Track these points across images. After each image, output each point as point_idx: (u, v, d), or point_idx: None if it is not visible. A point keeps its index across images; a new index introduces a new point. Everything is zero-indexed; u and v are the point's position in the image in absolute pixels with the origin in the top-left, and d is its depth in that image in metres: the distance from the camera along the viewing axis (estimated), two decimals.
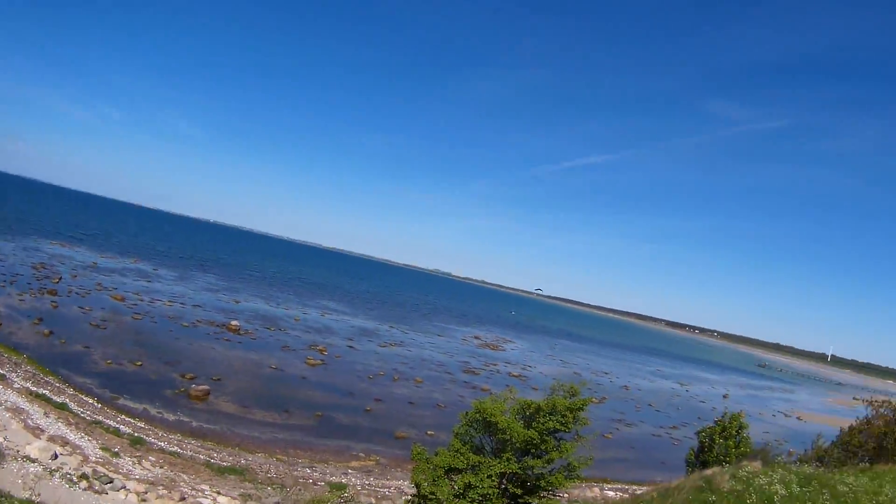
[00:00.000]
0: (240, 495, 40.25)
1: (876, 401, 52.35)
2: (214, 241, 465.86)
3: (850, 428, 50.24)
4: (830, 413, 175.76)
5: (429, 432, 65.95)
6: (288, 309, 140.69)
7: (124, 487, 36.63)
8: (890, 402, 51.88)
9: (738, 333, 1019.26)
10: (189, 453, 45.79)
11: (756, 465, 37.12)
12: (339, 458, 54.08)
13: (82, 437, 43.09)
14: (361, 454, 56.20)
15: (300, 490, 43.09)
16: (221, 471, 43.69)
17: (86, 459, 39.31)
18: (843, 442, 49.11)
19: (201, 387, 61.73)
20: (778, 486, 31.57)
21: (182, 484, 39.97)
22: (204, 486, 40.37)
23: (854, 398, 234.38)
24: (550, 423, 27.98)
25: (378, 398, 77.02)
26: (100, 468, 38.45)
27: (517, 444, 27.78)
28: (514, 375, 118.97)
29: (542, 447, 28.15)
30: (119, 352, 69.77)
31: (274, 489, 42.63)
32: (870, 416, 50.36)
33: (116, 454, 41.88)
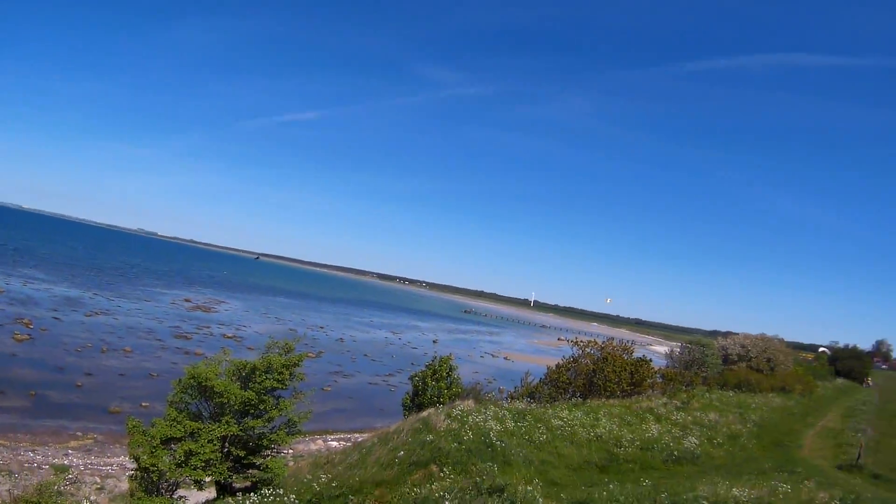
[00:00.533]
0: None
1: (582, 341, 56.84)
2: None
3: (558, 366, 54.38)
4: (537, 353, 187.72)
5: (143, 404, 64.39)
6: None
7: None
8: (596, 342, 56.53)
9: (444, 283, 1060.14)
10: None
11: (469, 403, 39.51)
12: (57, 438, 52.09)
13: None
14: (79, 433, 54.44)
15: (27, 475, 41.26)
16: None
17: None
18: (551, 379, 53.04)
19: None
20: (493, 423, 33.86)
21: None
22: None
23: (559, 339, 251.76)
24: (267, 381, 28.30)
25: (88, 372, 74.21)
26: None
27: (235, 407, 27.87)
28: (228, 337, 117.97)
29: (261, 407, 28.45)
30: None
31: (2, 476, 40.73)
32: (577, 355, 54.54)
33: None
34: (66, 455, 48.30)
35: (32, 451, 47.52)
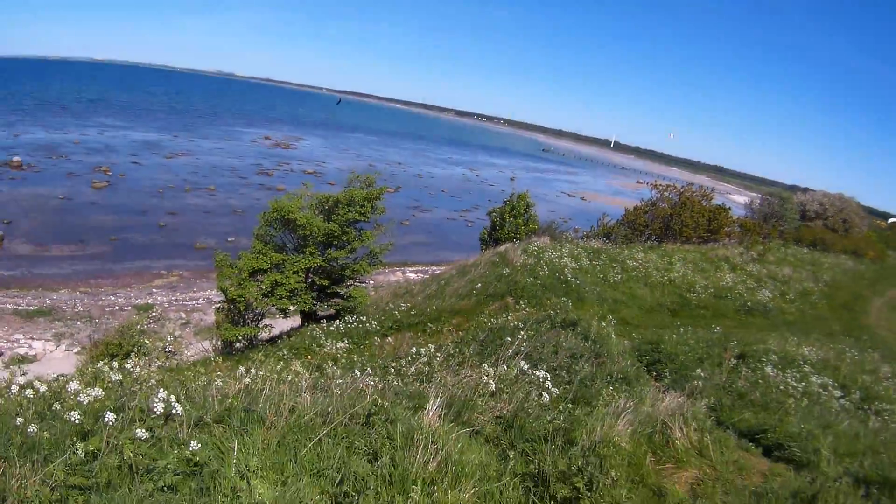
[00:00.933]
0: (53, 336, 39.77)
1: (661, 184, 55.95)
2: None
3: (636, 208, 53.76)
4: (615, 194, 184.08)
5: (229, 239, 65.92)
6: (67, 133, 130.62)
7: None
8: (675, 186, 55.60)
9: (522, 120, 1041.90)
10: None
11: (545, 240, 39.64)
12: (141, 279, 53.82)
13: None
14: (163, 271, 56.11)
15: (108, 319, 42.80)
16: (30, 315, 42.77)
17: None
18: (628, 220, 52.58)
19: None
20: (567, 260, 33.90)
21: None
22: (18, 336, 39.54)
23: (638, 181, 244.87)
24: (349, 214, 28.88)
25: (172, 212, 75.86)
26: None
27: (318, 238, 28.61)
28: (308, 172, 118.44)
29: (344, 238, 29.17)
30: None
31: (84, 323, 42.18)
32: (655, 199, 53.78)
33: None
34: (150, 294, 49.89)
35: (114, 294, 49.22)
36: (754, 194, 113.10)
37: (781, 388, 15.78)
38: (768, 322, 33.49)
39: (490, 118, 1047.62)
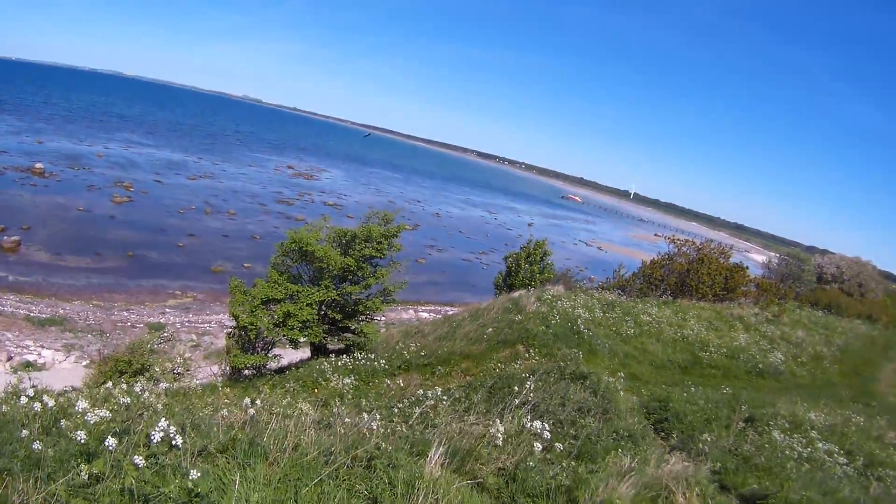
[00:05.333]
0: (63, 346, 39.93)
1: (679, 239, 55.90)
2: (9, 78, 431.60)
3: (653, 261, 53.60)
4: (632, 246, 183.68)
5: (245, 265, 66.32)
6: (91, 145, 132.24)
7: None
8: (693, 242, 55.51)
9: (543, 166, 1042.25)
10: (9, 309, 44.60)
11: (559, 288, 39.54)
12: (155, 298, 53.96)
13: None
14: (178, 291, 56.25)
15: (120, 334, 42.91)
16: (42, 323, 43.00)
17: None
18: (644, 273, 52.41)
19: (12, 238, 58.80)
20: (581, 311, 33.84)
21: (7, 342, 39.28)
22: (28, 342, 39.76)
23: (656, 234, 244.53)
24: (366, 249, 28.80)
25: (191, 233, 76.23)
26: None
27: (334, 272, 28.55)
28: (329, 204, 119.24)
29: (359, 273, 29.12)
30: None
31: (94, 336, 42.34)
32: (672, 253, 53.69)
33: None
34: (163, 313, 50.05)
35: (127, 310, 49.39)
36: (772, 254, 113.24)
37: (787, 452, 15.81)
38: (779, 385, 33.25)
39: (511, 161, 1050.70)
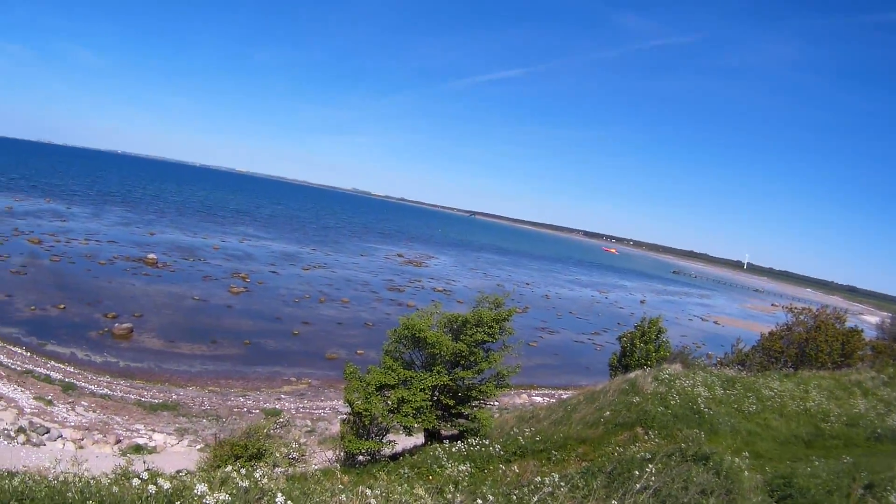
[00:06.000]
0: (175, 430, 40.55)
1: (796, 307, 54.22)
2: (123, 172, 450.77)
3: (771, 333, 51.96)
4: (749, 318, 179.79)
5: (358, 351, 66.82)
6: (206, 238, 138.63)
7: (61, 436, 36.65)
8: (810, 310, 53.80)
9: (651, 241, 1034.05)
10: (119, 394, 45.78)
11: (676, 367, 38.56)
12: (270, 384, 54.50)
13: (15, 389, 42.78)
14: (293, 378, 56.75)
15: (235, 419, 43.41)
16: (154, 408, 43.88)
17: (21, 412, 39.14)
18: (763, 347, 50.84)
19: (124, 325, 61.13)
20: (701, 389, 32.90)
21: (116, 426, 40.15)
22: (138, 426, 40.55)
23: (773, 304, 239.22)
24: (478, 334, 28.39)
25: (305, 321, 77.37)
26: (35, 419, 38.30)
27: (447, 357, 28.31)
28: (438, 290, 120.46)
29: (472, 358, 28.63)
30: (41, 297, 68.18)
31: (209, 421, 42.90)
32: (790, 323, 52.10)
33: (50, 402, 41.76)
34: (279, 399, 50.55)
35: (244, 396, 50.09)
36: (885, 314, 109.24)
37: None
38: None
39: (619, 239, 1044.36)
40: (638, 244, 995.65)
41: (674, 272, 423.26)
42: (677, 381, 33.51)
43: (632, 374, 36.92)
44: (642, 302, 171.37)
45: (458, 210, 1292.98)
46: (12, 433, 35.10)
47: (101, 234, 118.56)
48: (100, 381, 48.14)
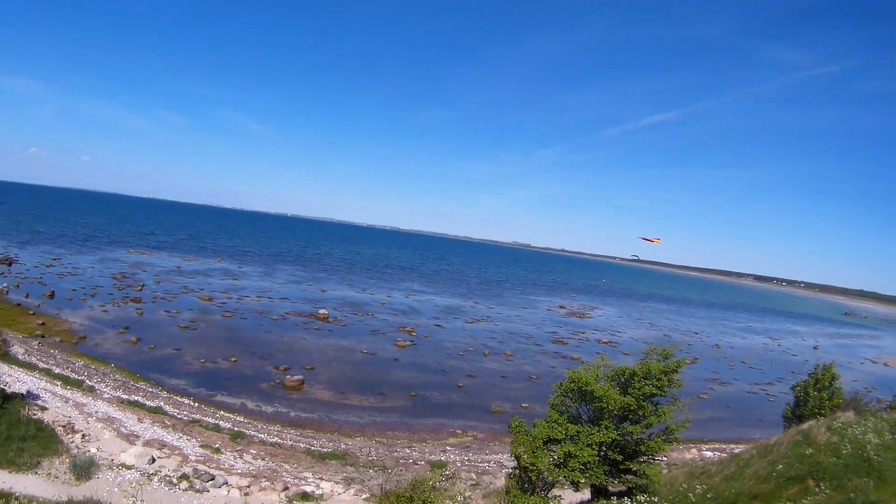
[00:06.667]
0: (342, 479, 40.95)
1: None
2: (292, 234, 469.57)
3: None
4: None
5: (523, 405, 66.12)
6: (373, 294, 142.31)
7: (226, 483, 37.48)
8: None
9: (822, 283, 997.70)
10: (289, 443, 46.81)
11: (849, 415, 36.69)
12: (436, 436, 54.55)
13: (180, 438, 44.25)
14: (458, 430, 56.59)
15: (401, 471, 43.52)
16: (322, 457, 44.56)
17: (185, 459, 40.39)
18: None
19: (295, 377, 62.89)
20: (871, 436, 30.98)
21: (284, 473, 40.91)
22: (306, 474, 41.20)
23: None
24: (646, 387, 27.65)
25: (470, 374, 77.48)
26: (200, 466, 39.46)
27: (614, 411, 27.65)
28: (603, 342, 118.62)
29: (640, 412, 27.85)
30: (211, 351, 71.29)
31: (376, 471, 43.15)
32: None
33: (217, 450, 43.01)
34: (444, 451, 50.37)
35: (409, 447, 50.25)
36: None
37: None
38: None
39: (790, 282, 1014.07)
40: (809, 286, 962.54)
41: (845, 314, 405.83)
42: (849, 430, 31.91)
43: (805, 425, 35.61)
44: (815, 348, 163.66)
45: (620, 259, 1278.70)
46: (174, 479, 36.06)
47: (272, 292, 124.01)
48: (270, 429, 49.55)
